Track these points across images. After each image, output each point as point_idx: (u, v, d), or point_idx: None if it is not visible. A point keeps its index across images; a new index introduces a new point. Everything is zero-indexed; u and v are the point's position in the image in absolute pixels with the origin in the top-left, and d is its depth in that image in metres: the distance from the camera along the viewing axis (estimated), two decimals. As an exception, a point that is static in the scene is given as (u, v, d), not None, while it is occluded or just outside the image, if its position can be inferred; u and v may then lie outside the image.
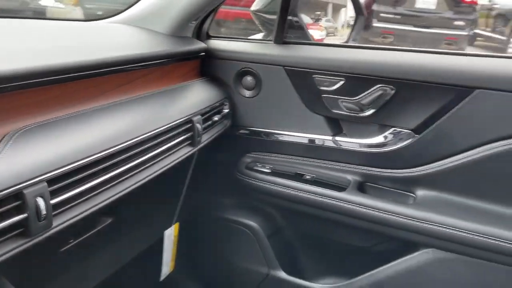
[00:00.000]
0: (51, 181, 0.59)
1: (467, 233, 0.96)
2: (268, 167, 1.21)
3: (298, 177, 1.17)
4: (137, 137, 0.79)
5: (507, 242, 0.93)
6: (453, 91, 0.99)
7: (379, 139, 1.10)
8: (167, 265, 1.27)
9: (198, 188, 1.23)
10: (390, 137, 1.08)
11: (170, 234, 1.23)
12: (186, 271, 1.38)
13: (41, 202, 0.57)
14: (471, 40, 7.02)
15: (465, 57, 1.06)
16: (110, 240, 0.91)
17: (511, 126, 0.95)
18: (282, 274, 1.23)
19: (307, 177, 1.17)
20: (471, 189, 1.02)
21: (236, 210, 1.29)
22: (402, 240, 1.08)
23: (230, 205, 1.31)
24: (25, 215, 0.56)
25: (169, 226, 1.20)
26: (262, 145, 1.23)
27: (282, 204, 1.20)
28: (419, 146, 1.04)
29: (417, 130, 1.05)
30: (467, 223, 0.97)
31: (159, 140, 0.86)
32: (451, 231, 0.98)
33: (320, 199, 1.11)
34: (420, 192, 1.07)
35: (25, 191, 0.55)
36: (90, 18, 1.34)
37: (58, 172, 0.61)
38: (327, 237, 1.24)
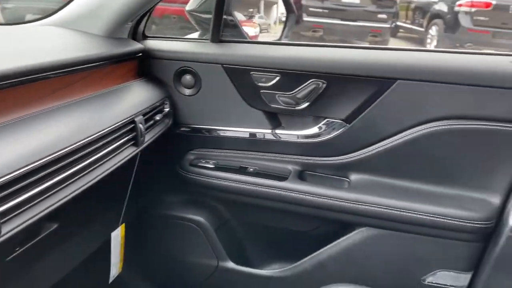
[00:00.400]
0: None
1: (395, 210, 1.07)
2: (211, 163, 1.25)
3: (241, 170, 1.22)
4: (80, 141, 0.79)
5: (429, 215, 1.04)
6: (378, 82, 1.08)
7: (314, 130, 1.17)
8: (115, 267, 1.26)
9: (143, 188, 1.24)
10: (324, 127, 1.17)
11: (117, 236, 1.22)
12: (135, 271, 1.39)
13: None
14: (394, 31, 7.50)
15: (387, 51, 1.16)
16: (57, 246, 0.90)
17: (427, 112, 1.07)
18: (231, 265, 1.28)
19: (250, 169, 1.22)
20: (397, 171, 1.13)
21: (182, 207, 1.32)
22: (339, 222, 1.17)
23: (176, 203, 1.33)
24: None
25: (116, 227, 1.19)
26: (204, 141, 1.26)
27: (227, 197, 1.25)
28: (350, 135, 1.14)
29: (347, 120, 1.14)
30: (394, 201, 1.07)
31: (103, 142, 0.86)
32: (381, 209, 1.08)
33: (263, 189, 1.17)
34: (353, 177, 1.17)
35: None
36: (16, 20, 1.29)
37: (3, 180, 0.61)
38: (271, 225, 1.30)
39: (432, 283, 1.10)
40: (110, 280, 1.26)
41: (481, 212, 1.03)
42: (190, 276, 1.32)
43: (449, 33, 6.22)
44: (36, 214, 0.68)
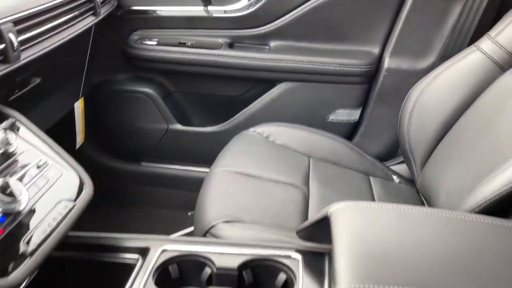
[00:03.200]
0: (15, 23, 0.80)
1: (304, 64, 1.39)
2: (154, 40, 1.47)
3: (181, 45, 1.46)
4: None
5: (329, 65, 1.38)
6: None
7: (241, 4, 1.43)
8: (79, 135, 1.49)
9: (96, 66, 1.44)
10: (249, 2, 1.42)
11: (78, 107, 1.44)
12: (95, 143, 1.62)
13: (12, 36, 0.77)
14: None
15: None
16: (40, 99, 1.11)
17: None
18: (179, 126, 1.56)
19: (188, 43, 1.46)
20: (304, 35, 1.43)
21: (132, 82, 1.54)
22: (264, 81, 1.48)
23: (126, 79, 1.55)
24: (4, 45, 0.76)
25: (77, 99, 1.41)
26: (146, 22, 1.47)
27: (170, 69, 1.49)
28: (268, 6, 1.40)
29: None
30: (304, 57, 1.39)
31: (66, 7, 1.05)
32: (294, 65, 1.40)
33: (200, 57, 1.43)
34: (273, 43, 1.46)
35: (1, 27, 0.76)
36: None
37: (19, 16, 0.81)
38: (209, 93, 1.58)
39: (334, 119, 1.47)
40: (77, 147, 1.50)
41: (366, 59, 1.38)
42: (145, 139, 1.59)
43: None
44: (37, 52, 0.89)
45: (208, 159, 1.24)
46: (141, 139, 1.59)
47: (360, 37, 1.40)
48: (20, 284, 0.62)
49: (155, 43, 1.46)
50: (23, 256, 0.63)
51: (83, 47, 1.29)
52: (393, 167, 1.34)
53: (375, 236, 0.59)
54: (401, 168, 1.32)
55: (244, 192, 1.04)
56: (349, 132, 1.49)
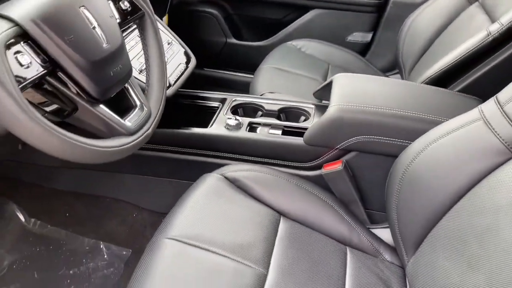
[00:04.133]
0: None
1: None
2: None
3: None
4: None
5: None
6: None
7: None
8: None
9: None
10: None
11: (164, 21, 1.98)
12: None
13: None
14: None
15: None
16: None
17: None
18: (234, 40, 2.08)
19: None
20: None
21: (201, 4, 2.06)
22: (300, 7, 1.95)
23: (197, 2, 2.07)
24: None
25: (164, 15, 1.94)
26: None
27: None
28: None
29: None
30: None
31: None
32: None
33: None
34: None
35: None
36: None
37: None
38: (258, 15, 2.07)
39: (351, 40, 1.96)
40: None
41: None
42: (209, 50, 2.13)
43: None
44: None
45: (254, 66, 1.72)
46: (206, 49, 2.13)
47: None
48: (157, 109, 0.98)
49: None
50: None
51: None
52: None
53: (360, 87, 1.10)
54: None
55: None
56: (363, 50, 1.98)
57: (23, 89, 0.63)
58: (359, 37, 1.94)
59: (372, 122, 1.00)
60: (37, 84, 0.69)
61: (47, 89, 0.74)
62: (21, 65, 0.64)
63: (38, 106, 0.77)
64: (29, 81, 0.66)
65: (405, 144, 0.97)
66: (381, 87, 1.11)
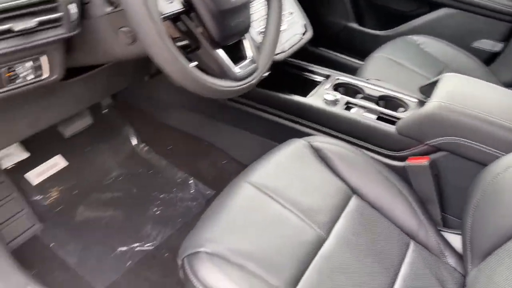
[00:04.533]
0: None
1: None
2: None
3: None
4: None
5: None
6: None
7: None
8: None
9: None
10: None
11: None
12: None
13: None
14: None
15: None
16: None
17: None
18: (354, 25, 2.09)
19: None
20: None
21: None
22: (430, 3, 1.89)
23: None
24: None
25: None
26: None
27: None
28: None
29: None
30: None
31: None
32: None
33: None
34: None
35: None
36: None
37: None
38: (386, 4, 2.04)
39: (477, 46, 1.85)
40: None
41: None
42: (327, 29, 2.16)
43: None
44: None
45: (366, 54, 1.71)
46: (324, 28, 2.17)
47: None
48: (264, 66, 1.04)
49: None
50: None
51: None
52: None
53: (469, 89, 1.07)
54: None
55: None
56: (487, 59, 1.86)
57: (164, 19, 0.78)
58: (488, 45, 1.83)
59: (470, 126, 0.99)
60: (174, 19, 0.83)
61: (180, 28, 0.88)
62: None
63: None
64: (169, 13, 0.80)
65: (498, 154, 0.95)
66: (490, 94, 1.08)
